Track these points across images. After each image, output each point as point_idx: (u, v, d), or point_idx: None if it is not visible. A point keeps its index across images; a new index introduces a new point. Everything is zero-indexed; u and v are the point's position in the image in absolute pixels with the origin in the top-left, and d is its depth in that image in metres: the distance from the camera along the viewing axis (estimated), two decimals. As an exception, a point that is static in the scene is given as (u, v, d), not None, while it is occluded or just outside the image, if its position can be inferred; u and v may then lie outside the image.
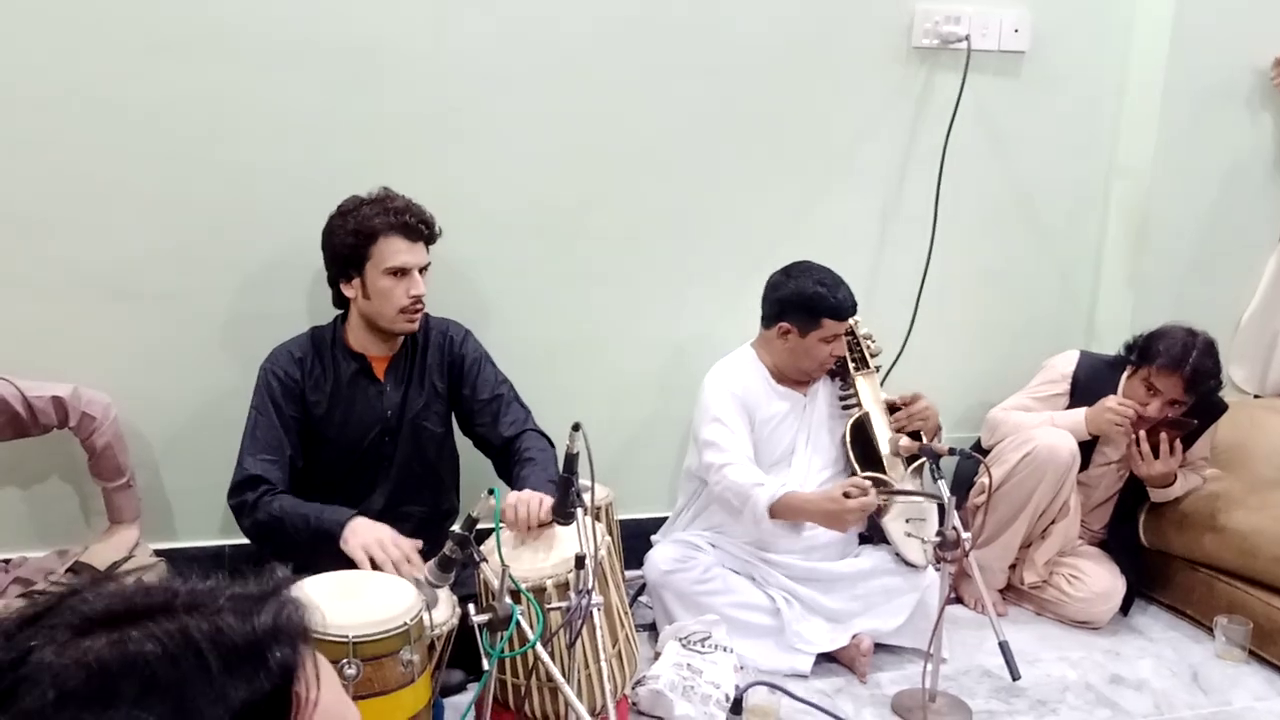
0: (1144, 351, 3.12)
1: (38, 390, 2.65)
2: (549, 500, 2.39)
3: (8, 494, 2.89)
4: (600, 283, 3.21)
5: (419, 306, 2.65)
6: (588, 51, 3.06)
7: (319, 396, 2.69)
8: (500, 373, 2.82)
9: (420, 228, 2.63)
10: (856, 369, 3.02)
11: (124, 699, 0.70)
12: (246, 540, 2.70)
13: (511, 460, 2.72)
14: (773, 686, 2.48)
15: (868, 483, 2.78)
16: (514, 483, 2.64)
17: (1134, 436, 3.07)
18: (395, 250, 2.59)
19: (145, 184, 2.81)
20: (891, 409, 3.01)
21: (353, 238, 2.60)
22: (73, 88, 2.72)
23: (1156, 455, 3.07)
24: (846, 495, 2.73)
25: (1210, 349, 3.05)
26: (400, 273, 2.60)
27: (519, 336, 3.03)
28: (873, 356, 3.05)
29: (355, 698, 1.91)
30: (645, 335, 3.28)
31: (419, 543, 2.43)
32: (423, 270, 2.65)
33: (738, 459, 2.85)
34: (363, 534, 2.41)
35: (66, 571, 2.41)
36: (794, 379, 3.00)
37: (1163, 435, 3.05)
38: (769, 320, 2.97)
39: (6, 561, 2.76)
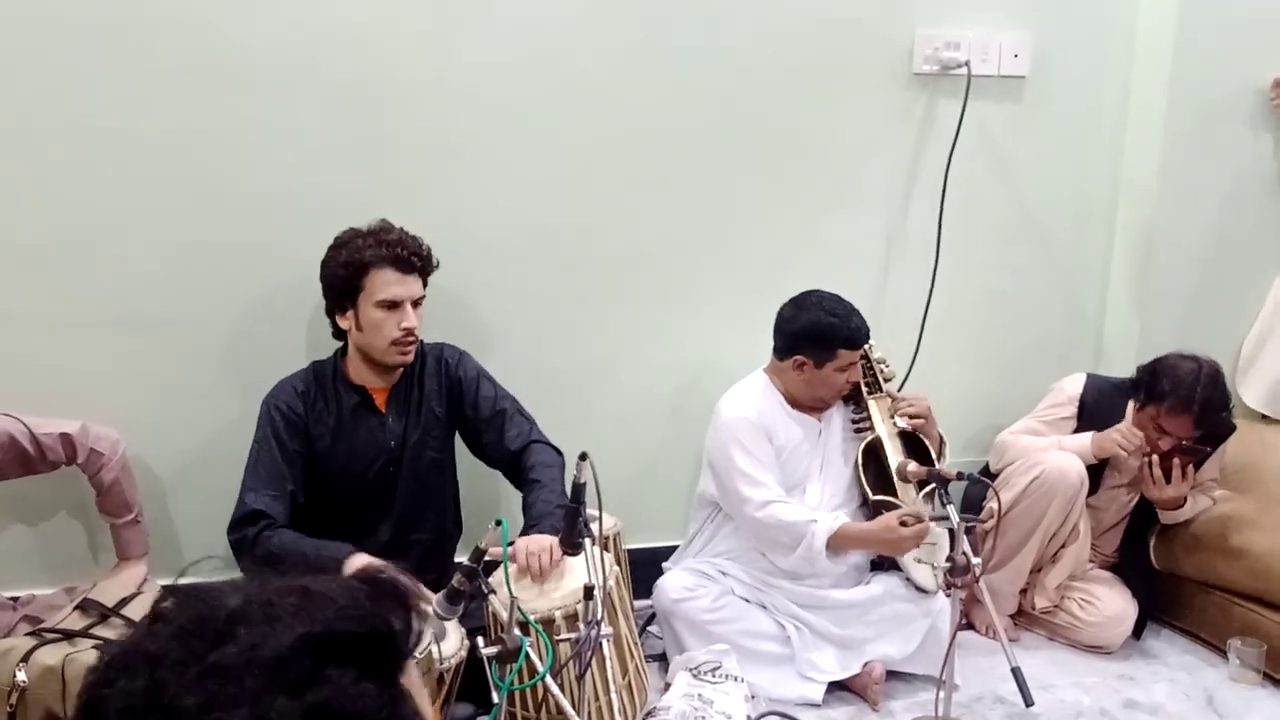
0: (1150, 391, 3.04)
1: (46, 427, 2.65)
2: (556, 544, 2.39)
3: (16, 531, 2.90)
4: (606, 308, 3.22)
5: (411, 339, 2.64)
6: (591, 78, 3.07)
7: (322, 430, 2.69)
8: (500, 388, 2.82)
9: (413, 260, 2.63)
10: (869, 392, 3.02)
11: None
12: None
13: (520, 478, 2.72)
14: (785, 716, 2.46)
15: (922, 510, 2.81)
16: (523, 509, 2.63)
17: (1147, 461, 3.05)
18: (386, 282, 2.60)
19: (149, 217, 2.83)
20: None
21: (345, 269, 2.61)
22: (77, 121, 2.75)
23: (1169, 480, 3.05)
24: (903, 524, 2.79)
25: (1215, 380, 3.00)
26: (391, 305, 2.60)
27: (526, 363, 3.04)
28: (886, 381, 3.05)
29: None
30: (652, 360, 3.28)
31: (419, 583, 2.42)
32: (416, 303, 2.65)
33: (777, 494, 2.86)
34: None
35: (74, 609, 2.40)
36: (809, 406, 3.00)
37: (1176, 461, 3.03)
38: (782, 353, 2.96)
39: (15, 599, 2.76)
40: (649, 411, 3.31)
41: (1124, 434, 3.06)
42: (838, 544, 2.84)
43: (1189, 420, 2.99)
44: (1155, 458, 3.04)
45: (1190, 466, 3.05)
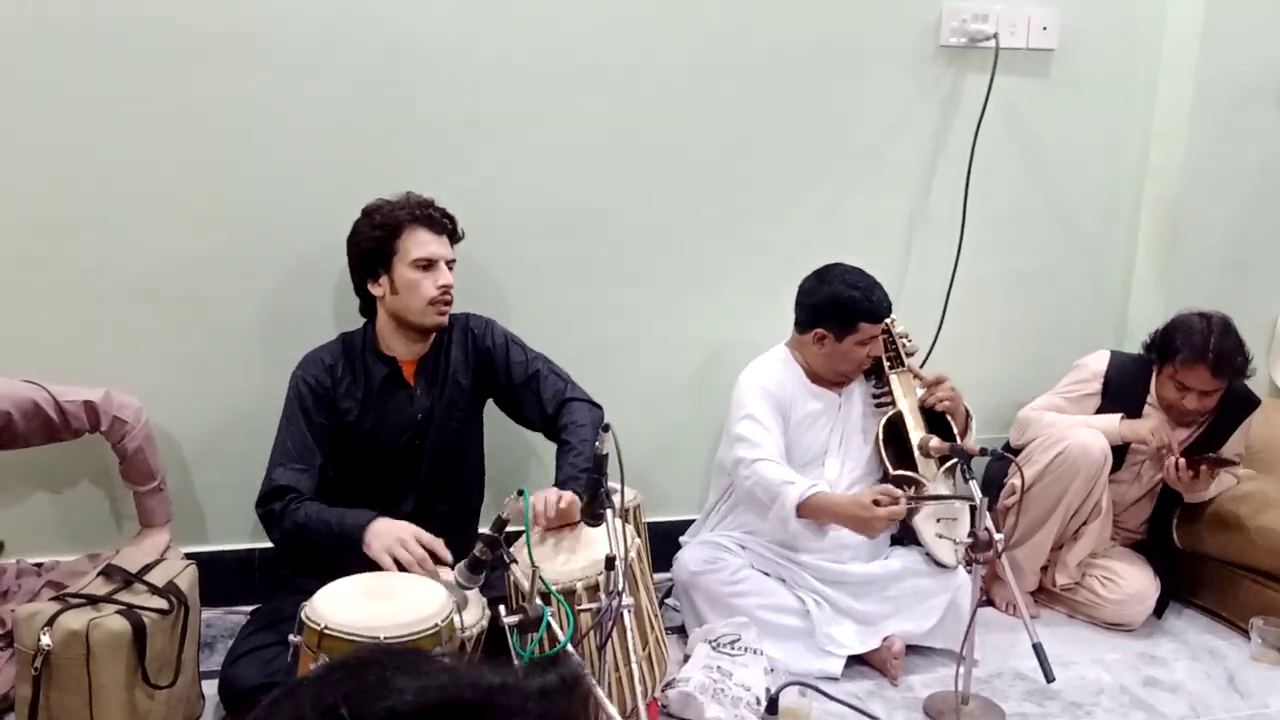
0: (1163, 349, 3.09)
1: (69, 394, 2.66)
2: (569, 495, 2.40)
3: (40, 498, 2.92)
4: (629, 284, 3.21)
5: (448, 298, 2.64)
6: (616, 54, 3.06)
7: (350, 403, 2.69)
8: (530, 350, 2.81)
9: (444, 221, 2.66)
10: (891, 367, 3.01)
11: None
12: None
13: (557, 438, 2.71)
14: (807, 686, 2.46)
15: (899, 492, 2.77)
16: (556, 472, 2.63)
17: (1173, 462, 3.03)
18: (421, 242, 2.61)
19: (174, 189, 2.83)
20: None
21: (379, 232, 2.61)
22: (101, 94, 2.75)
23: (1197, 475, 3.03)
24: (876, 503, 2.72)
25: (1228, 328, 3.02)
26: (427, 265, 2.61)
27: (548, 338, 3.02)
28: (908, 356, 3.03)
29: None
30: (674, 337, 3.27)
31: (440, 541, 2.42)
32: (449, 265, 2.66)
33: (770, 455, 2.84)
34: (384, 535, 2.39)
35: (98, 574, 2.41)
36: (830, 380, 2.99)
37: (1203, 468, 3.02)
38: (803, 326, 2.95)
39: (39, 565, 2.78)
40: (670, 388, 3.31)
41: (1154, 430, 3.04)
42: (810, 511, 2.78)
43: (1206, 370, 2.98)
44: (1181, 460, 3.02)
45: (1217, 470, 3.06)
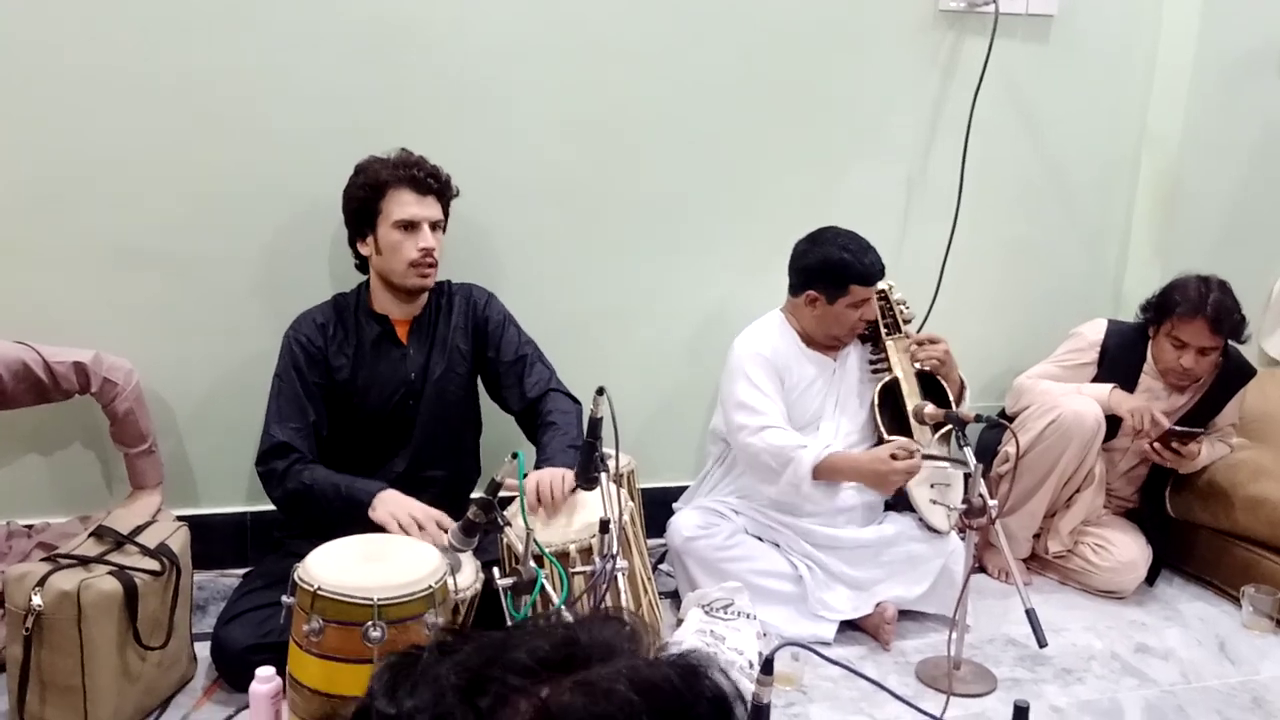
0: (1160, 307, 3.10)
1: (59, 356, 2.65)
2: (570, 475, 2.39)
3: (31, 460, 2.90)
4: (626, 252, 3.19)
5: (430, 260, 2.63)
6: (612, 21, 3.03)
7: (342, 361, 2.67)
8: (524, 334, 2.81)
9: (429, 181, 2.63)
10: (888, 333, 2.99)
11: None
12: (269, 508, 2.72)
13: (536, 423, 2.71)
14: (802, 646, 2.45)
15: (915, 445, 2.79)
16: (538, 449, 2.62)
17: (1152, 447, 3.05)
18: (403, 203, 2.59)
19: (166, 152, 2.81)
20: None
21: (363, 192, 2.61)
22: (94, 59, 2.72)
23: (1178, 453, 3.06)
24: (893, 457, 2.75)
25: (1225, 287, 3.04)
26: (409, 226, 2.60)
27: (544, 305, 3.02)
28: (905, 322, 3.01)
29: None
30: (670, 305, 3.26)
31: (448, 518, 2.41)
32: (435, 226, 2.64)
33: (774, 420, 2.84)
34: (391, 504, 2.41)
35: (90, 535, 2.40)
36: (824, 344, 2.98)
37: (1174, 444, 3.05)
38: (796, 289, 2.94)
39: (30, 527, 2.77)
40: (665, 355, 3.30)
41: (1132, 411, 3.03)
42: (825, 472, 2.81)
43: (1204, 324, 2.99)
44: (1158, 445, 3.04)
45: (1187, 441, 3.07)
